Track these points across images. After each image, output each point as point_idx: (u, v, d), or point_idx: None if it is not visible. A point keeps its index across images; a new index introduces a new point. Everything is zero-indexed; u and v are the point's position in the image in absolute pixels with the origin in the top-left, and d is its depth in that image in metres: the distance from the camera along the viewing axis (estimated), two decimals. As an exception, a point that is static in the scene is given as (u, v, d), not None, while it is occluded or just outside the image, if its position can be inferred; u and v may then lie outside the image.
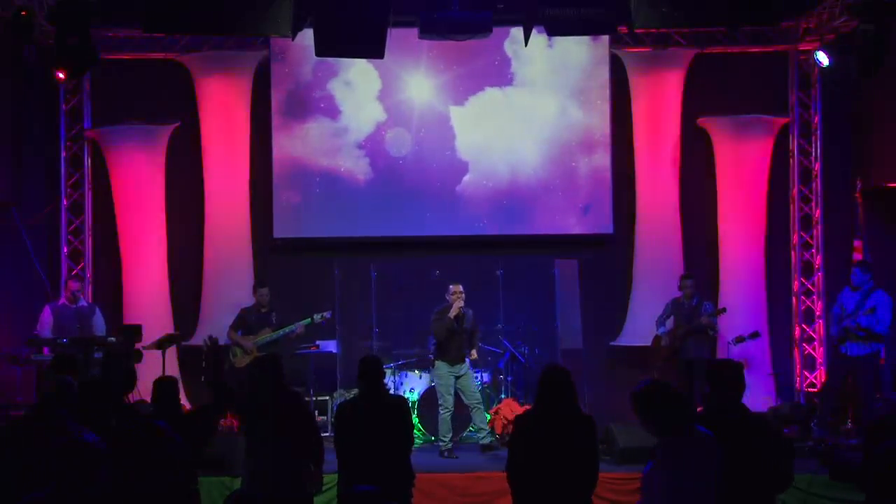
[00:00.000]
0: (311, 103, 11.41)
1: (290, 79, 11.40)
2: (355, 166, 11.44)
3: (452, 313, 9.68)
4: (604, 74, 11.41)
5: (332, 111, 11.42)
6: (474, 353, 9.93)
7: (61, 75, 8.95)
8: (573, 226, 11.49)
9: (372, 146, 11.44)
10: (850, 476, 4.96)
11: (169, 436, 4.48)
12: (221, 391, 6.00)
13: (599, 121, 11.44)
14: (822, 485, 7.97)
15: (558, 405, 5.42)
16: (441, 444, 9.59)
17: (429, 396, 10.08)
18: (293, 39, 9.63)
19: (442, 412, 9.63)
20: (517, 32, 10.30)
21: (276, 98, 11.39)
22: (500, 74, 11.43)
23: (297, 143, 11.42)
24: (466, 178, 11.43)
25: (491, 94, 11.44)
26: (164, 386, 6.11)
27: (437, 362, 9.79)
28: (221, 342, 10.57)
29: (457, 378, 9.70)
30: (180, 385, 10.74)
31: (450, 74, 11.41)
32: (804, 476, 8.02)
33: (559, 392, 5.43)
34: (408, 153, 11.44)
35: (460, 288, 9.79)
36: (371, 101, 11.42)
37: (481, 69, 11.40)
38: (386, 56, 9.41)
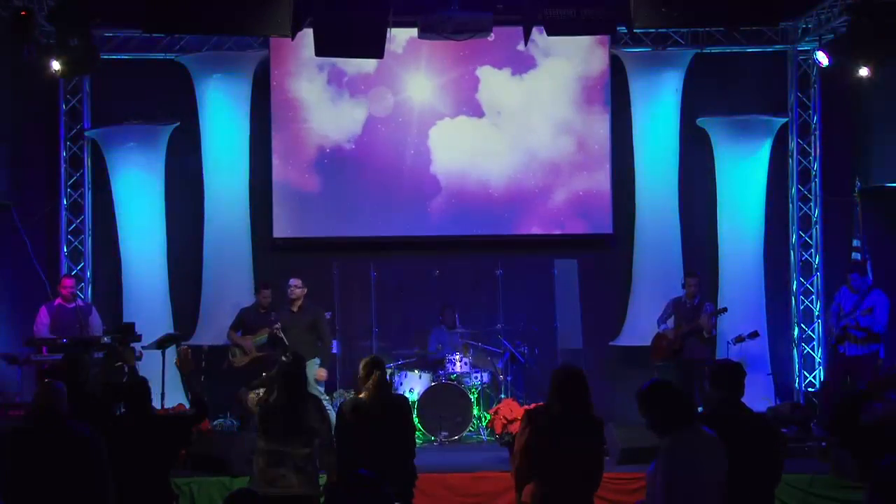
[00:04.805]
0: (311, 103, 11.41)
1: (291, 78, 11.40)
2: (355, 166, 11.43)
3: None
4: (603, 75, 11.42)
5: (332, 111, 11.41)
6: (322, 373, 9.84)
7: (56, 66, 8.92)
8: (573, 226, 11.49)
9: (372, 146, 11.43)
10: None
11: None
12: (200, 402, 6.35)
13: (599, 121, 11.44)
14: (822, 485, 7.98)
15: (578, 406, 5.40)
16: None
17: (429, 396, 10.08)
18: (293, 39, 9.62)
19: None
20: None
21: (276, 98, 11.39)
22: (502, 75, 11.42)
23: (297, 143, 11.42)
24: (466, 178, 11.42)
25: (491, 96, 11.43)
26: (135, 388, 6.17)
27: None
28: (220, 343, 10.66)
29: None
30: (179, 385, 10.79)
31: (451, 74, 11.41)
32: (804, 476, 8.03)
33: (580, 393, 5.41)
34: (408, 153, 11.44)
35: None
36: (371, 101, 11.42)
37: (481, 70, 11.41)
38: (385, 54, 9.42)
